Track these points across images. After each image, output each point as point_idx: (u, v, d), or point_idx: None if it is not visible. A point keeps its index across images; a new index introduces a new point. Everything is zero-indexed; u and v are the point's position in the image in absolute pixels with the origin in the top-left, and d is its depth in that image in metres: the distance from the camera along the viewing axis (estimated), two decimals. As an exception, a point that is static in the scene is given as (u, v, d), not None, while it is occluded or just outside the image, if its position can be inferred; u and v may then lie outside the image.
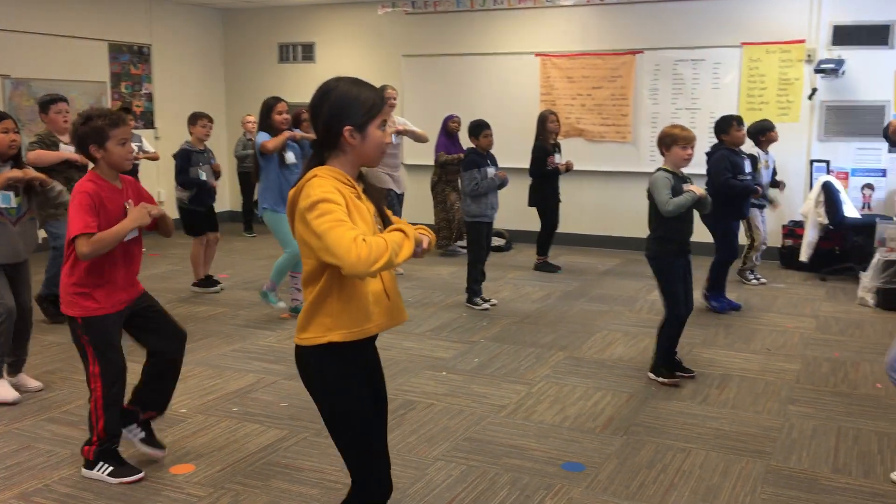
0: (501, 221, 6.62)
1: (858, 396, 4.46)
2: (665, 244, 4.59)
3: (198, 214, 6.80)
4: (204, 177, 6.70)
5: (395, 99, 7.47)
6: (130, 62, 9.93)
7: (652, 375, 4.72)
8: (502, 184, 6.42)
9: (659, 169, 4.61)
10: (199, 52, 10.85)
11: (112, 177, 3.32)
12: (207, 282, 6.96)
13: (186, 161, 6.66)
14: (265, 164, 5.94)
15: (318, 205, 2.10)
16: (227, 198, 11.12)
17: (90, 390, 3.34)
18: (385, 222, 2.36)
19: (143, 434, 3.54)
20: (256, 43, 10.94)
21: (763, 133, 6.94)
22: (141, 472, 3.42)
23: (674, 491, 3.34)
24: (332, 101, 2.23)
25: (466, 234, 6.58)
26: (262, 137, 5.94)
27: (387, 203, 7.39)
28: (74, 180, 5.83)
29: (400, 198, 7.63)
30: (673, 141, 4.52)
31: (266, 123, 6.00)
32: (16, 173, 4.22)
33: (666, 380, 4.64)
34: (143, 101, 10.09)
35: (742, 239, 6.84)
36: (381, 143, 2.27)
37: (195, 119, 6.73)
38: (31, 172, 4.35)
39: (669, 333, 4.70)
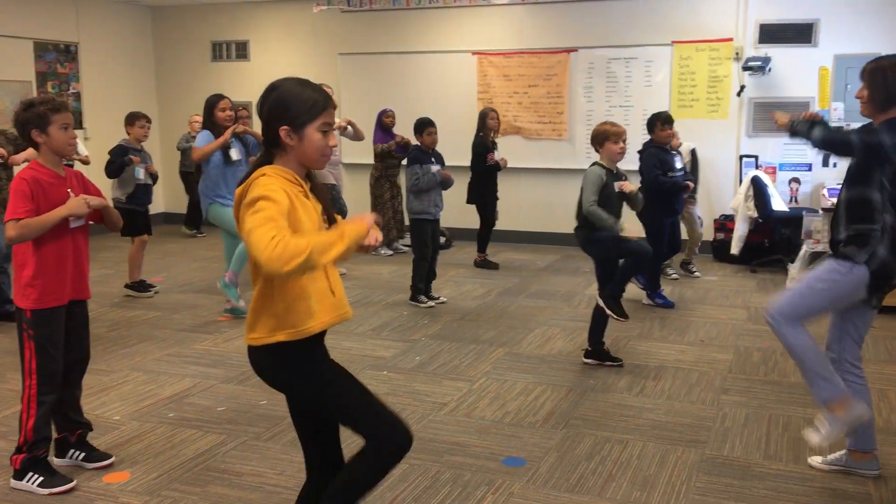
0: (441, 219, 6.63)
1: (788, 384, 4.60)
2: (592, 227, 4.71)
3: (136, 214, 6.62)
4: (141, 176, 6.54)
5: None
6: (57, 61, 9.63)
7: (600, 301, 4.79)
8: (446, 183, 6.42)
9: (594, 164, 4.72)
10: (128, 51, 10.58)
11: (54, 163, 3.29)
12: (140, 286, 6.80)
13: (121, 155, 6.48)
14: (205, 163, 5.90)
15: (256, 202, 2.10)
16: (161, 199, 10.88)
17: (24, 387, 3.25)
18: (331, 220, 2.37)
19: (83, 454, 3.48)
20: (188, 41, 10.72)
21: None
22: (72, 481, 3.33)
23: (612, 482, 3.39)
24: (272, 100, 2.24)
25: (410, 232, 6.58)
26: (204, 136, 5.88)
27: (331, 198, 7.45)
28: (2, 179, 5.67)
29: (337, 190, 7.68)
30: (605, 137, 4.66)
31: (209, 121, 5.98)
32: None
33: (614, 313, 4.75)
34: (71, 100, 9.79)
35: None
36: (320, 147, 2.25)
37: (133, 119, 6.57)
38: None
39: (634, 269, 4.82)
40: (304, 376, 2.29)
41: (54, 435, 3.44)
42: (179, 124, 10.22)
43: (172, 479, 3.42)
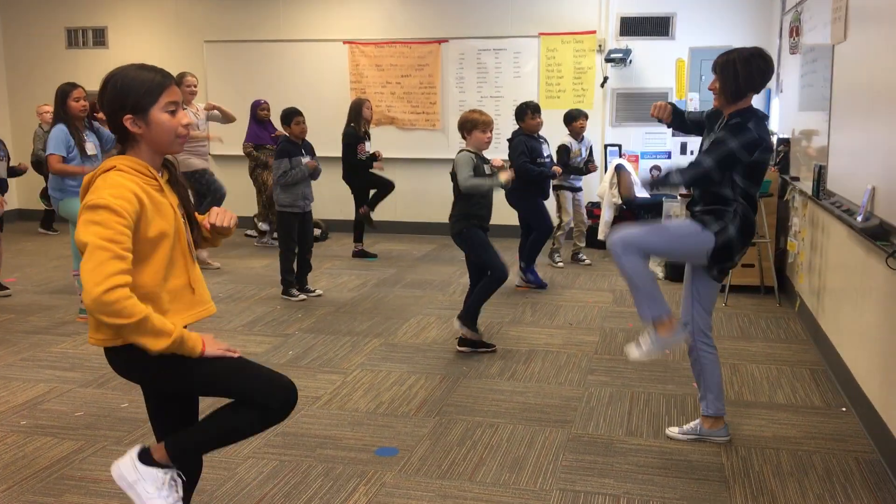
0: (317, 211, 6.53)
1: (649, 364, 4.80)
2: (467, 220, 4.79)
3: None
4: None
5: (195, 86, 7.25)
6: None
7: (457, 324, 4.91)
8: (314, 174, 6.31)
9: (462, 150, 4.80)
10: (-27, 36, 9.86)
11: None
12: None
13: None
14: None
15: (99, 210, 1.98)
16: (14, 196, 10.22)
17: None
18: (188, 212, 2.28)
19: None
20: (40, 27, 10.09)
21: (569, 122, 7.30)
22: None
23: (483, 465, 3.45)
24: (109, 91, 2.13)
25: (277, 225, 6.44)
26: (57, 132, 5.51)
27: (196, 185, 7.20)
28: None
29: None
30: (473, 126, 4.74)
31: (62, 111, 5.57)
32: None
33: (474, 335, 4.89)
34: None
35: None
36: (171, 128, 2.15)
37: None
38: None
39: (488, 292, 4.89)
40: (162, 367, 2.16)
41: None
42: (33, 115, 9.61)
43: (24, 491, 3.22)
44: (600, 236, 8.10)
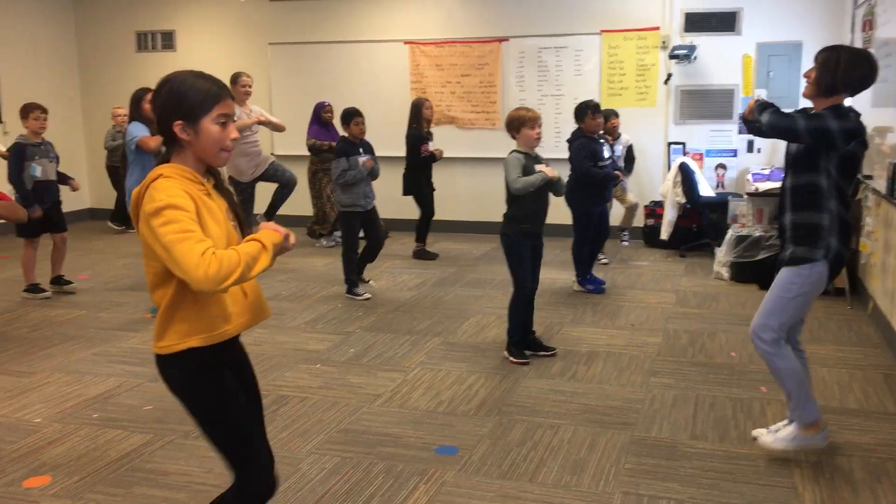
0: (379, 211, 6.56)
1: (714, 365, 4.71)
2: (516, 224, 4.74)
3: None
4: (39, 172, 6.25)
5: (250, 87, 7.32)
6: (-29, 52, 9.24)
7: (506, 354, 4.85)
8: (373, 173, 6.35)
9: (512, 151, 4.75)
10: (49, 41, 10.20)
11: None
12: (58, 282, 6.57)
13: (20, 157, 6.19)
14: (137, 157, 5.72)
15: (163, 211, 2.00)
16: (87, 194, 10.56)
17: None
18: (238, 218, 2.29)
19: None
20: (111, 31, 10.39)
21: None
22: None
23: (543, 466, 3.42)
24: (164, 94, 2.14)
25: (341, 225, 6.51)
26: (138, 128, 5.72)
27: (241, 196, 7.27)
28: None
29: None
30: (521, 123, 4.68)
31: (138, 115, 5.86)
32: None
33: (515, 359, 4.78)
34: (-13, 93, 9.41)
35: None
36: (218, 140, 2.15)
37: (26, 112, 6.26)
38: None
39: (516, 311, 4.84)
40: (200, 396, 2.21)
41: None
42: (105, 116, 9.91)
43: (96, 482, 3.33)
44: (663, 236, 7.97)
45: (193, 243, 1.97)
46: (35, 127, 6.26)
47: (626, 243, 8.21)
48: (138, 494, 3.22)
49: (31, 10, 9.94)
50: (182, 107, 2.11)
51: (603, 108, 6.70)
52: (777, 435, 3.46)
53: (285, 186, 7.61)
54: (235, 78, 7.18)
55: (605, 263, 7.45)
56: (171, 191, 2.05)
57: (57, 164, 6.49)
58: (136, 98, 5.88)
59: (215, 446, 2.27)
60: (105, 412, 4.09)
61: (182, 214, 2.01)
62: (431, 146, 7.82)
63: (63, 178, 6.56)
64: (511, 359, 4.79)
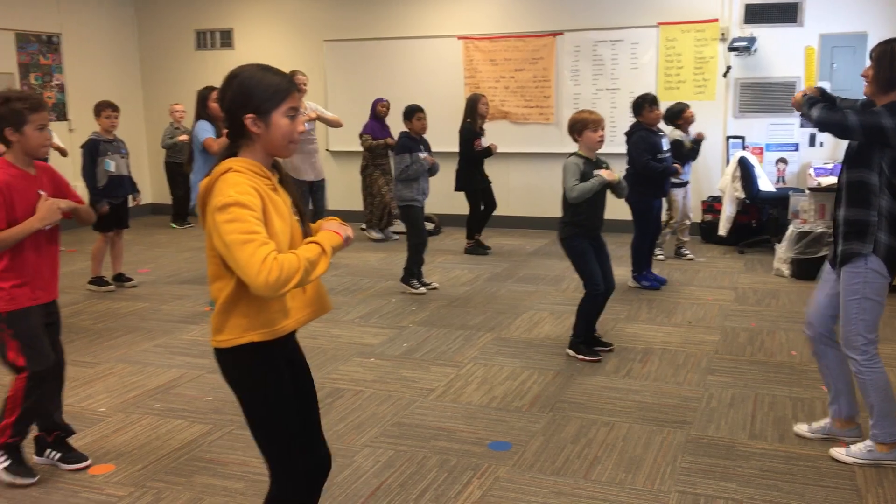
0: (430, 206, 6.60)
1: (774, 364, 4.61)
2: (572, 228, 4.69)
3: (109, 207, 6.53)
4: (113, 167, 6.46)
5: (305, 84, 7.40)
6: (39, 52, 9.54)
7: (571, 352, 4.80)
8: (433, 170, 6.38)
9: (572, 155, 4.70)
10: (112, 40, 10.49)
11: (26, 163, 3.22)
12: (119, 279, 6.75)
13: (93, 152, 6.40)
14: (202, 154, 5.85)
15: (229, 208, 2.02)
16: (148, 190, 10.82)
17: (12, 383, 3.21)
18: (301, 214, 2.31)
19: (59, 454, 3.44)
20: (172, 29, 10.63)
21: (678, 116, 7.05)
22: (35, 477, 3.29)
23: (598, 464, 3.40)
24: (234, 87, 2.15)
25: (403, 220, 6.55)
26: (204, 127, 5.85)
27: (301, 194, 7.35)
28: None
29: (320, 184, 7.61)
30: (584, 126, 4.63)
31: (204, 113, 6.01)
32: None
33: (585, 357, 4.72)
34: (54, 91, 9.71)
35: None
36: (288, 133, 2.17)
37: (98, 110, 6.50)
38: None
39: (587, 311, 4.78)
40: (254, 392, 2.23)
41: (34, 432, 3.41)
42: (165, 113, 10.15)
43: (157, 470, 3.42)
44: (721, 232, 7.82)
45: (256, 247, 1.99)
46: (106, 125, 6.48)
47: (661, 257, 7.47)
48: (198, 483, 3.30)
49: (95, 11, 10.22)
50: (252, 100, 2.13)
51: (661, 101, 6.59)
52: (850, 449, 3.40)
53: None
54: (291, 76, 7.27)
55: (662, 259, 7.34)
56: (240, 187, 2.06)
57: (128, 159, 6.70)
58: (202, 96, 6.04)
59: (257, 444, 2.29)
60: (166, 402, 4.19)
61: (248, 214, 2.03)
62: (484, 142, 7.81)
63: (132, 185, 6.72)
64: (580, 357, 4.74)
